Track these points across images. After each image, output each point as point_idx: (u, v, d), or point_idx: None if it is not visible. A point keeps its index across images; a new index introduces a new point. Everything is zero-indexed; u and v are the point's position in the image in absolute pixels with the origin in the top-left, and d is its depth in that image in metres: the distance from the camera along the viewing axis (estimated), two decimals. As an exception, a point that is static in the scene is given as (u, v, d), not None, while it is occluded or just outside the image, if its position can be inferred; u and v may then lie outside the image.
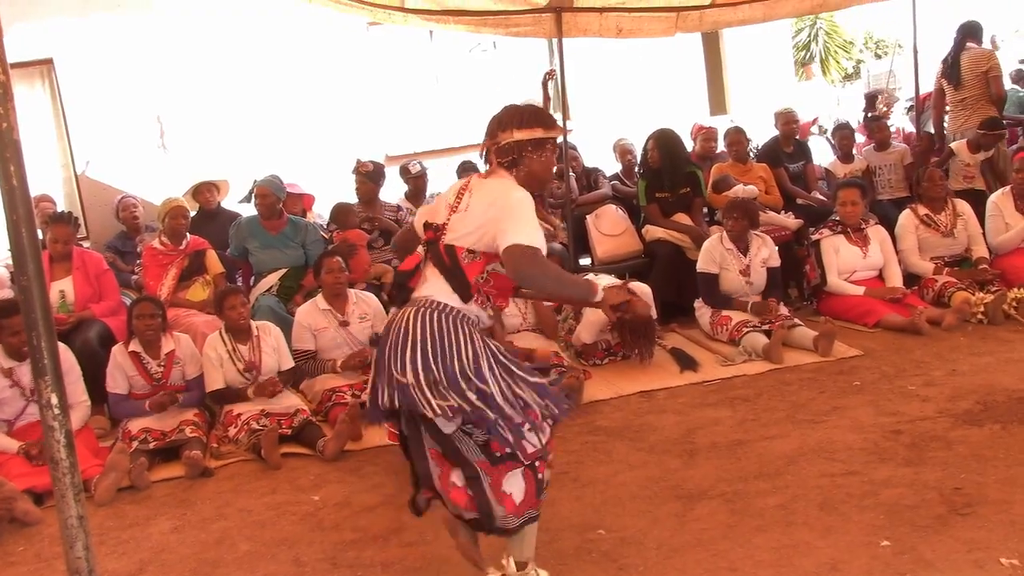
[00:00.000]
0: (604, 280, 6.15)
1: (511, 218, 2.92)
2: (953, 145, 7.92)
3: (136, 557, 3.94)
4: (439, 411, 2.87)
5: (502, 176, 3.08)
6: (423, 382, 2.90)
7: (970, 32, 8.35)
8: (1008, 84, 9.28)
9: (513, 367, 3.04)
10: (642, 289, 6.18)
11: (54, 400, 2.82)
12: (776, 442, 4.48)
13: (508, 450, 2.98)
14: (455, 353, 2.92)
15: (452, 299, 3.00)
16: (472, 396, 2.89)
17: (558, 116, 7.71)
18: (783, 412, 4.90)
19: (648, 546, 3.56)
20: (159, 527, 4.25)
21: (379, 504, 4.22)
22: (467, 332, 2.97)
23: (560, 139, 7.46)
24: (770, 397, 5.18)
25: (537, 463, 3.07)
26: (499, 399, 2.93)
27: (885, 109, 9.70)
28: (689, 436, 4.70)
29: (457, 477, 3.07)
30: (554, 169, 3.24)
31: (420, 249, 3.19)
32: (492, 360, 2.98)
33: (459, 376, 2.90)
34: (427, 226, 3.14)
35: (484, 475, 3.02)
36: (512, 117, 3.10)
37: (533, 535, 3.21)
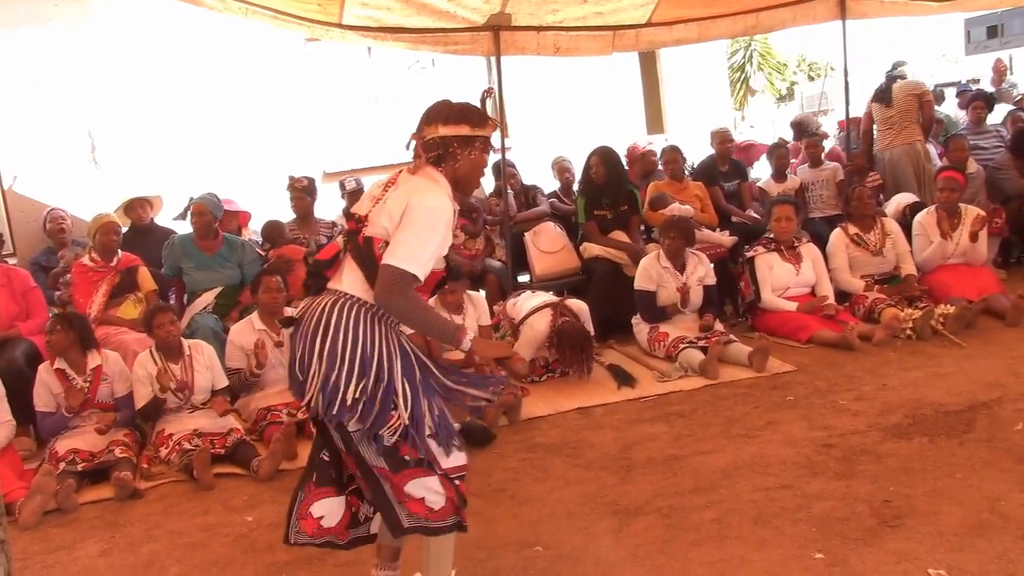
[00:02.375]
0: (528, 300, 6.19)
1: (408, 229, 2.87)
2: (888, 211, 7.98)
3: (61, 582, 3.84)
4: (351, 398, 2.83)
5: (428, 175, 3.01)
6: (335, 373, 2.86)
7: (897, 75, 8.67)
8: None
9: (432, 368, 3.02)
10: (579, 306, 6.22)
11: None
12: (711, 457, 4.51)
13: (420, 455, 2.93)
14: (367, 347, 2.87)
15: (367, 293, 2.95)
16: (380, 391, 2.85)
17: (495, 134, 7.72)
18: (718, 427, 4.95)
19: (586, 563, 3.56)
20: (86, 550, 4.14)
21: (314, 524, 4.15)
22: (382, 330, 2.92)
23: (496, 140, 7.48)
24: (705, 412, 5.23)
25: (457, 480, 3.02)
26: (411, 399, 2.89)
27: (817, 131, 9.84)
28: (626, 452, 4.72)
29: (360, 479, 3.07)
30: (484, 170, 3.16)
31: (340, 240, 3.14)
32: (405, 360, 2.93)
33: (369, 369, 2.85)
34: (349, 216, 3.09)
35: (383, 480, 2.98)
36: (439, 112, 3.04)
37: (447, 554, 3.11)
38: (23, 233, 7.86)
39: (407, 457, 2.93)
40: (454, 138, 3.00)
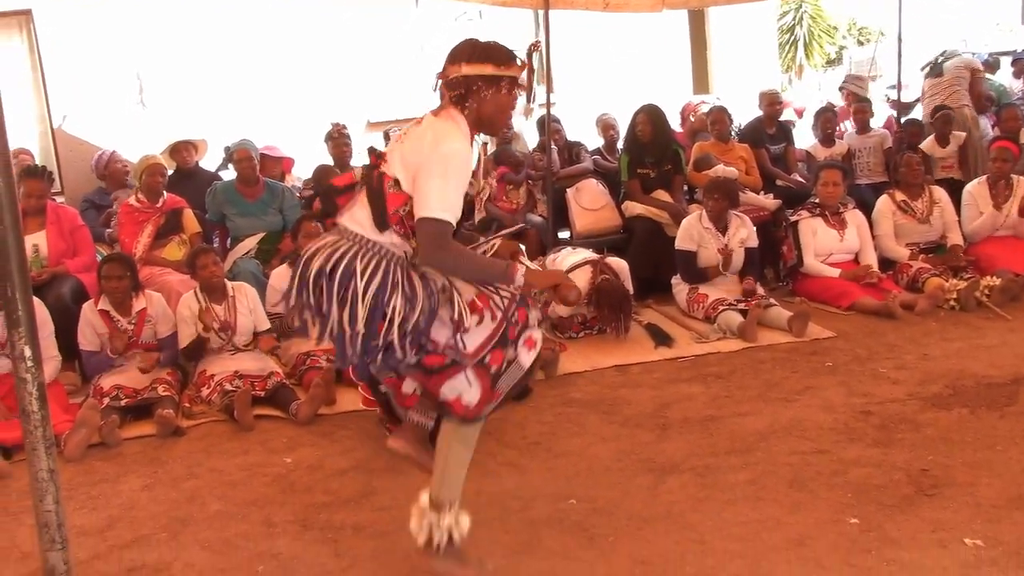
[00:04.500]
0: (568, 257, 6.18)
1: (431, 177, 2.86)
2: (923, 146, 7.96)
3: (105, 513, 3.92)
4: (358, 329, 2.87)
5: (449, 116, 2.98)
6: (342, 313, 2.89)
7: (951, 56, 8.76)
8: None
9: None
10: (619, 264, 6.21)
11: (27, 352, 2.81)
12: (748, 419, 4.51)
13: (447, 360, 2.96)
14: (367, 281, 2.89)
15: (371, 230, 2.96)
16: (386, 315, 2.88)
17: (541, 88, 7.68)
18: (756, 390, 4.94)
19: (619, 517, 3.58)
20: (129, 484, 4.23)
21: (351, 468, 4.22)
22: (383, 267, 2.92)
23: (541, 95, 7.44)
24: (743, 375, 5.22)
25: (487, 357, 3.01)
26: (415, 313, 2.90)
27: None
28: (662, 411, 4.72)
29: (408, 386, 3.17)
30: (511, 112, 3.13)
31: (358, 171, 3.14)
32: (405, 283, 2.93)
33: (371, 299, 2.87)
34: (371, 151, 3.10)
35: (420, 383, 3.06)
36: (463, 51, 3.00)
37: (460, 472, 3.10)
38: (71, 172, 7.95)
39: (434, 365, 2.98)
40: (478, 77, 2.96)
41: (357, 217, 3.01)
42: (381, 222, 2.95)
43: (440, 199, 2.85)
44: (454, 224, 2.90)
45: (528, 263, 3.31)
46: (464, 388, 3.00)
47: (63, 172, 7.90)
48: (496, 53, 3.00)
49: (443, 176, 2.87)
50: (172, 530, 3.71)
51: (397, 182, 2.93)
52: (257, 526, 3.71)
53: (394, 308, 2.88)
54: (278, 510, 3.84)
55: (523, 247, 6.67)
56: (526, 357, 3.11)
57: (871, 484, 3.69)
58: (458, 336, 2.96)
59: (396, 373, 3.17)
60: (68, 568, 2.81)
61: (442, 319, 2.97)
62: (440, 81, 3.03)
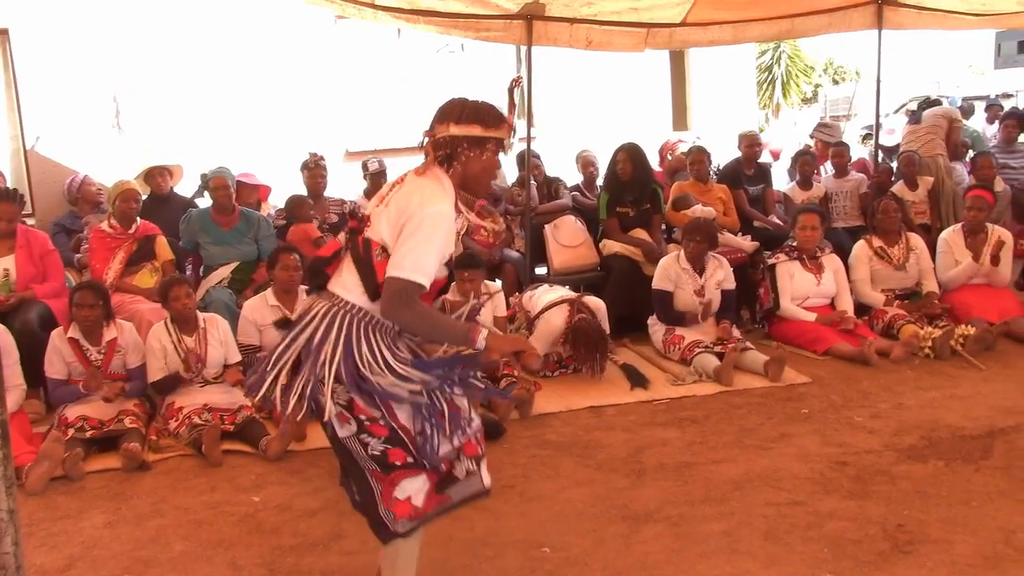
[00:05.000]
0: (545, 294, 6.15)
1: (410, 238, 2.80)
2: (894, 188, 8.06)
3: (66, 551, 3.82)
4: (331, 412, 2.83)
5: (434, 176, 2.92)
6: (318, 382, 2.84)
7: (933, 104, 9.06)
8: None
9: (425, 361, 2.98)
10: (596, 304, 6.18)
11: (-11, 387, 2.72)
12: (723, 466, 4.48)
13: (410, 459, 2.90)
14: (352, 354, 2.84)
15: (361, 297, 2.90)
16: (363, 397, 2.83)
17: (521, 123, 7.67)
18: (731, 436, 4.91)
19: (593, 568, 3.53)
20: (92, 521, 4.13)
21: (320, 509, 4.14)
22: (371, 336, 2.87)
23: (522, 130, 7.44)
24: (719, 420, 5.19)
25: (443, 464, 2.97)
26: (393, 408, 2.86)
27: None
28: (637, 455, 4.68)
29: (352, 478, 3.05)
30: (496, 172, 3.08)
31: (342, 236, 3.09)
32: (392, 361, 2.88)
33: (354, 376, 2.82)
34: (352, 215, 3.04)
35: (375, 483, 2.95)
36: (451, 110, 2.95)
37: (410, 560, 3.06)
38: (43, 194, 7.86)
39: (397, 462, 2.89)
40: (464, 138, 2.91)
41: (345, 283, 2.95)
42: (372, 291, 2.88)
43: (415, 260, 2.79)
44: (426, 287, 2.84)
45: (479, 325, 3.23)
46: (416, 489, 2.93)
47: (34, 194, 7.81)
48: (485, 115, 2.95)
49: (425, 238, 2.80)
50: (135, 571, 3.62)
51: (384, 249, 2.87)
52: (222, 568, 3.62)
53: (377, 384, 2.83)
54: (244, 552, 3.76)
55: (499, 282, 6.67)
56: (487, 478, 3.09)
57: (847, 539, 3.66)
58: (434, 432, 2.90)
59: (351, 462, 3.01)
60: (25, 612, 2.72)
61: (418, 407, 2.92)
62: (427, 139, 2.99)
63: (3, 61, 7.81)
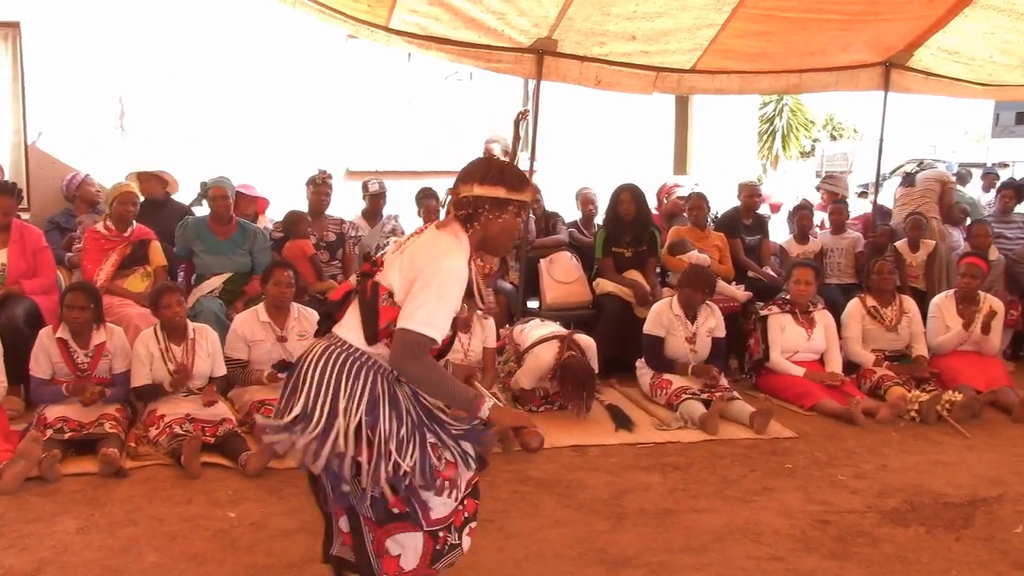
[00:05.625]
0: (536, 329, 6.13)
1: (423, 291, 2.78)
2: (897, 244, 8.11)
3: (36, 555, 3.76)
4: (323, 459, 2.78)
5: (453, 232, 2.92)
6: (312, 426, 2.79)
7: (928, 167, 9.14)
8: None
9: (427, 418, 2.95)
10: (587, 342, 6.16)
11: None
12: (704, 516, 4.45)
13: (407, 509, 2.87)
14: (348, 398, 2.80)
15: (359, 340, 2.87)
16: (360, 446, 2.78)
17: (524, 157, 7.69)
18: (713, 486, 4.88)
19: (568, 610, 3.49)
20: (64, 525, 4.07)
21: (296, 530, 4.09)
22: (371, 378, 2.84)
23: (525, 162, 7.44)
24: (702, 468, 5.16)
25: (440, 532, 2.95)
26: (393, 450, 2.80)
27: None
28: (618, 498, 4.65)
29: (343, 523, 3.00)
30: (516, 236, 3.05)
31: (353, 279, 3.08)
32: (393, 410, 2.85)
33: (350, 420, 2.78)
34: (367, 258, 3.04)
35: (367, 531, 2.93)
36: (476, 171, 2.95)
37: None
38: (40, 190, 7.83)
39: (395, 510, 2.86)
40: (488, 199, 2.91)
41: (346, 324, 2.93)
42: (371, 335, 2.85)
43: (428, 314, 2.76)
44: (437, 342, 2.81)
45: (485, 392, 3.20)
46: (410, 548, 2.92)
47: (32, 189, 7.76)
48: (510, 177, 2.94)
49: (438, 292, 2.78)
50: (104, 581, 3.56)
51: (391, 295, 2.86)
52: (193, 585, 3.57)
53: (380, 427, 2.80)
54: (216, 569, 3.71)
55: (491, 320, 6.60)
56: (467, 543, 3.09)
57: (825, 599, 3.63)
58: (432, 481, 2.87)
59: (348, 505, 2.95)
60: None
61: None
62: (450, 197, 2.99)
63: (12, 54, 7.79)
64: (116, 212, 6.29)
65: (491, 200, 2.91)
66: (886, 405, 6.19)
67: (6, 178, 7.02)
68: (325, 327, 3.02)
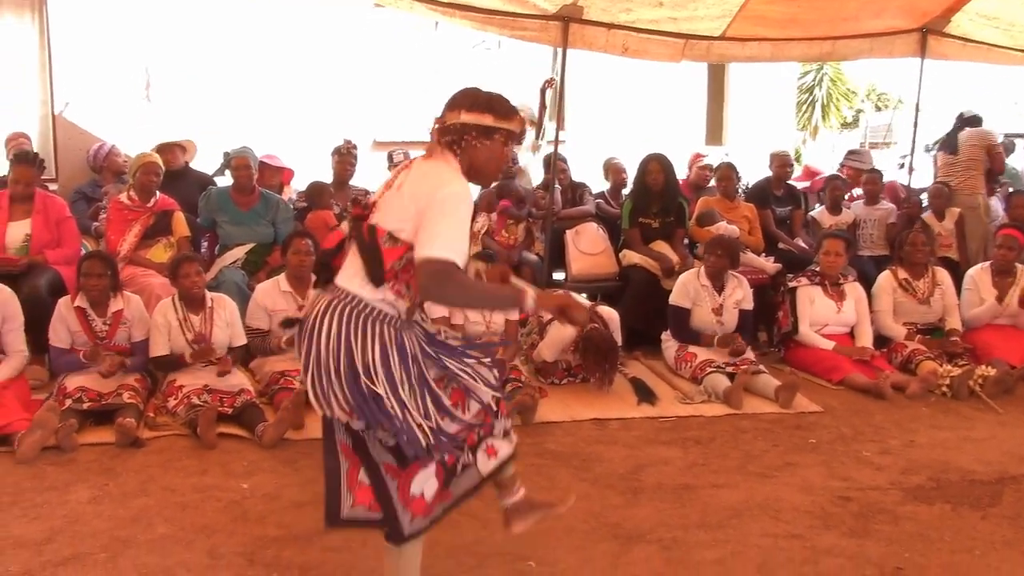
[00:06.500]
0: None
1: (434, 219, 2.73)
2: (924, 216, 7.90)
3: (48, 524, 3.77)
4: (339, 408, 2.79)
5: (443, 159, 2.89)
6: (324, 379, 2.79)
7: (969, 121, 8.57)
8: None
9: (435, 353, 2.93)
10: (610, 314, 6.09)
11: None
12: (723, 491, 4.36)
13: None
14: (359, 350, 2.78)
15: (365, 288, 2.83)
16: (372, 394, 2.76)
17: (551, 126, 7.59)
18: (734, 461, 4.80)
19: (577, 585, 3.44)
20: (77, 495, 4.08)
21: (308, 502, 4.05)
22: (377, 330, 2.81)
23: (550, 132, 7.36)
24: (723, 443, 5.07)
25: (447, 456, 2.93)
26: (405, 397, 2.79)
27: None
28: (636, 473, 4.58)
29: (364, 475, 2.95)
30: (503, 165, 3.03)
31: (345, 226, 3.03)
32: (403, 355, 2.82)
33: (360, 374, 2.76)
34: (355, 202, 2.99)
35: (390, 479, 2.89)
36: (464, 99, 2.92)
37: (415, 563, 3.02)
38: (67, 161, 7.85)
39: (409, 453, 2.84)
40: (474, 126, 2.88)
41: (347, 273, 2.90)
42: (377, 277, 2.81)
43: (445, 240, 2.72)
44: (460, 264, 2.77)
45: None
46: (429, 480, 2.91)
47: (59, 160, 7.79)
48: (497, 105, 2.92)
49: (450, 218, 2.75)
50: (112, 551, 3.56)
51: (391, 235, 2.81)
52: (201, 555, 3.55)
53: (392, 374, 2.79)
54: (226, 540, 3.69)
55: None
56: (485, 463, 3.04)
57: (842, 578, 3.54)
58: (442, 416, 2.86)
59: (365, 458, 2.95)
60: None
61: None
62: (436, 126, 2.94)
63: (39, 26, 7.79)
64: (139, 182, 6.29)
65: (477, 127, 2.88)
66: (916, 379, 6.05)
67: (35, 149, 7.04)
68: (324, 277, 3.00)
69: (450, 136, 2.89)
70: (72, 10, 7.87)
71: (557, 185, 7.53)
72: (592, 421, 5.38)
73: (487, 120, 2.89)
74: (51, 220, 6.08)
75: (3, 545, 3.56)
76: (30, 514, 3.87)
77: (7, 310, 5.13)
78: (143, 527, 3.78)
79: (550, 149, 7.48)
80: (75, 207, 6.88)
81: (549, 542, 3.78)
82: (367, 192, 7.37)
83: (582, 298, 6.29)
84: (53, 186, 7.39)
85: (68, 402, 4.86)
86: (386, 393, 2.75)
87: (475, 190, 3.95)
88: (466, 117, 2.88)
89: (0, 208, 5.98)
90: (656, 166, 7.11)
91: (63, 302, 5.24)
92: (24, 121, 7.62)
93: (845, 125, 27.93)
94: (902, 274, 6.77)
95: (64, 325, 5.17)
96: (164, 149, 7.18)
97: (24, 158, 6.06)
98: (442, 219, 2.75)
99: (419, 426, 2.79)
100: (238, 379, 5.27)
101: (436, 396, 2.87)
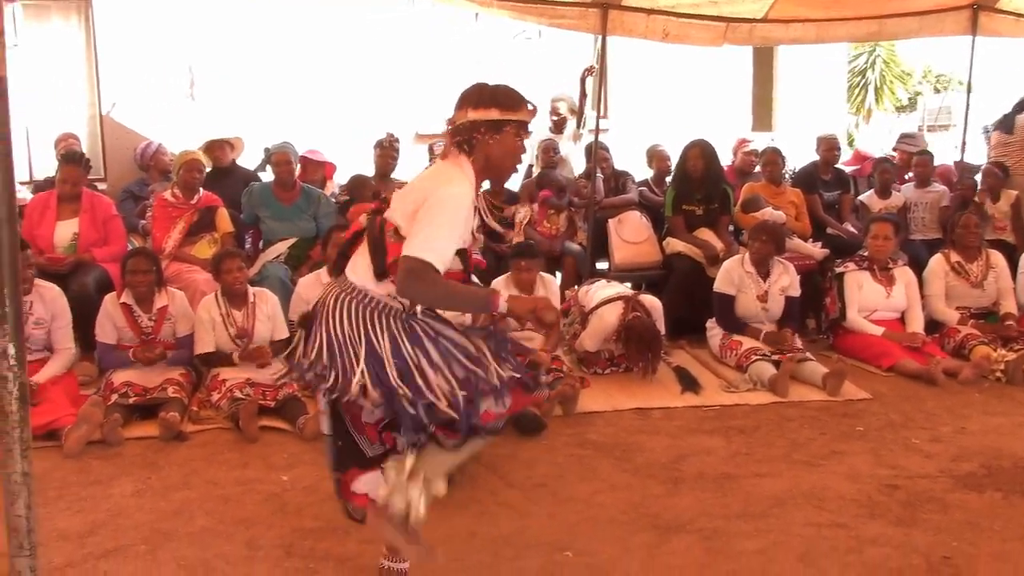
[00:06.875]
0: (601, 290, 5.99)
1: (424, 219, 2.76)
2: (977, 198, 7.70)
3: (91, 517, 3.83)
4: (360, 393, 2.79)
5: (455, 161, 2.91)
6: (339, 369, 2.81)
7: None
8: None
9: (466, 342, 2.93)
10: (652, 303, 6.01)
11: (11, 350, 2.70)
12: (766, 481, 4.29)
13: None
14: (369, 341, 2.80)
15: (368, 280, 2.86)
16: (394, 380, 2.77)
17: (591, 115, 7.52)
18: (779, 449, 4.72)
19: (615, 576, 3.40)
20: (121, 488, 4.14)
21: (347, 494, 4.08)
22: (385, 324, 2.84)
23: (591, 120, 7.29)
24: (768, 431, 4.99)
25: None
26: (430, 374, 2.80)
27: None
28: (678, 462, 4.52)
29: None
30: (519, 157, 3.01)
31: (363, 218, 3.03)
32: (416, 346, 2.84)
33: (376, 361, 2.78)
34: (375, 196, 3.01)
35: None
36: (469, 96, 2.91)
37: (442, 465, 2.98)
38: (115, 160, 7.96)
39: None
40: (482, 123, 2.87)
41: (356, 264, 2.94)
42: (380, 271, 2.85)
43: (426, 240, 2.75)
44: (439, 268, 2.76)
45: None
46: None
47: (107, 160, 7.92)
48: (503, 98, 2.91)
49: (437, 218, 2.77)
50: (153, 543, 3.60)
51: (397, 230, 2.83)
52: (240, 547, 3.58)
53: (406, 362, 2.81)
54: (264, 532, 3.71)
55: (558, 275, 6.51)
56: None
57: (887, 567, 3.45)
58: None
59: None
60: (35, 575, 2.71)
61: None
62: (448, 127, 2.95)
63: (85, 27, 7.92)
64: (182, 179, 6.36)
65: (485, 123, 2.88)
66: (969, 365, 5.90)
67: (83, 149, 7.16)
68: (340, 265, 3.03)
69: (461, 136, 2.91)
70: (117, 12, 7.97)
71: (599, 174, 7.47)
72: (634, 411, 5.32)
73: (493, 114, 2.88)
74: (98, 219, 6.18)
75: (47, 538, 3.60)
76: (74, 507, 3.93)
77: (55, 308, 5.22)
78: (184, 520, 3.82)
79: (592, 138, 7.42)
80: (123, 206, 6.99)
81: (587, 532, 3.75)
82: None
83: (623, 287, 6.22)
84: (102, 185, 7.52)
85: (114, 397, 4.94)
86: (400, 384, 2.77)
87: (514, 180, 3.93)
88: (473, 114, 2.88)
89: (49, 208, 6.10)
90: (696, 152, 7.02)
91: (109, 299, 5.32)
92: (73, 122, 7.75)
93: (901, 108, 27.38)
94: (954, 257, 6.61)
95: (110, 321, 5.25)
96: (213, 146, 7.25)
97: (71, 158, 6.17)
98: (431, 220, 2.77)
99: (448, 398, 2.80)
100: (280, 372, 5.29)
101: (469, 356, 2.89)
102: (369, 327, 2.83)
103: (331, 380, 2.83)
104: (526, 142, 3.05)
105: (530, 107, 2.96)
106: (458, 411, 2.81)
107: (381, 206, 2.93)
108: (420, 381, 2.79)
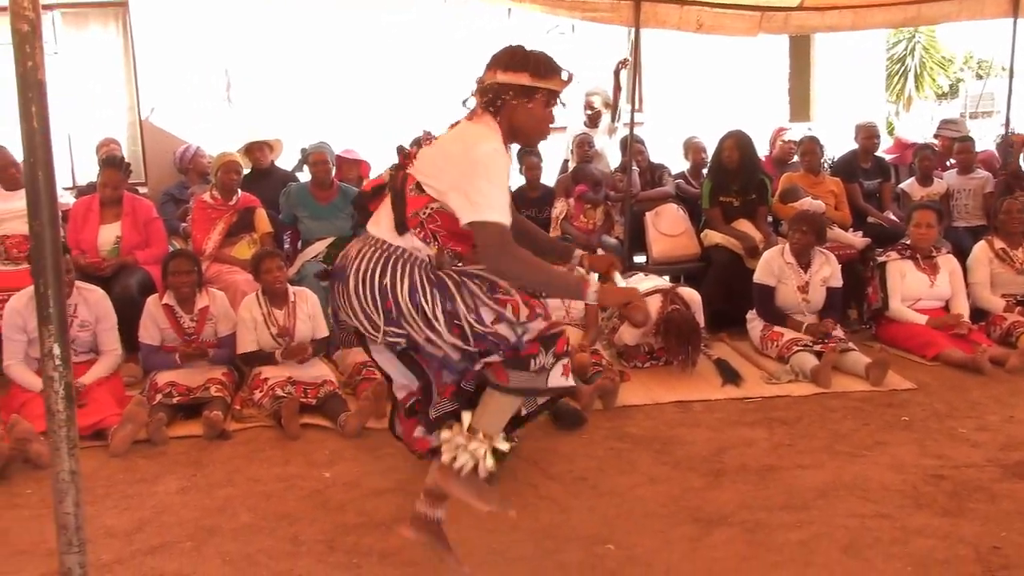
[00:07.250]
0: (639, 283, 5.96)
1: (473, 181, 2.73)
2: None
3: (137, 515, 3.88)
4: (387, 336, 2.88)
5: (482, 121, 2.89)
6: (370, 316, 2.88)
7: None
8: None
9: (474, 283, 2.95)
10: (691, 295, 5.98)
11: (56, 351, 2.73)
12: (809, 472, 4.25)
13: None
14: (392, 289, 2.83)
15: (391, 233, 2.89)
16: (420, 325, 2.84)
17: (626, 108, 7.49)
18: (822, 441, 4.67)
19: (656, 569, 3.38)
20: (166, 486, 4.19)
21: (389, 489, 4.10)
22: (407, 270, 2.85)
23: (626, 114, 7.26)
24: (810, 423, 4.94)
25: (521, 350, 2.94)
26: (462, 312, 2.84)
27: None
28: (719, 455, 4.49)
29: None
30: (547, 126, 2.99)
31: (386, 173, 3.05)
32: (432, 284, 2.87)
33: (403, 308, 2.83)
34: (400, 150, 3.01)
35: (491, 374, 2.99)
36: (501, 58, 2.90)
37: (500, 416, 3.04)
38: (156, 164, 8.07)
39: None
40: (511, 86, 2.85)
41: (380, 221, 2.96)
42: (400, 224, 2.86)
43: (488, 201, 2.73)
44: (507, 224, 2.77)
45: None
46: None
47: (148, 164, 8.03)
48: (536, 63, 2.90)
49: (485, 178, 2.75)
50: (198, 539, 3.64)
51: (419, 185, 2.83)
52: (283, 543, 3.61)
53: (424, 305, 2.86)
54: (307, 528, 3.74)
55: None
56: (557, 378, 3.02)
57: (933, 558, 3.41)
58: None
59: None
60: (84, 572, 2.74)
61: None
62: (476, 85, 2.93)
63: (123, 34, 8.04)
64: (220, 181, 6.43)
65: (515, 87, 2.87)
66: (1016, 353, 5.79)
67: (124, 154, 7.26)
68: (361, 216, 3.12)
69: (488, 96, 2.87)
70: (153, 18, 8.07)
71: (635, 167, 7.43)
72: (674, 404, 5.29)
73: (524, 79, 2.86)
74: (139, 221, 6.27)
75: (95, 535, 3.65)
76: (121, 505, 3.98)
77: (100, 310, 5.30)
78: (227, 516, 3.86)
79: (627, 132, 7.39)
80: (164, 209, 7.08)
81: (628, 526, 3.74)
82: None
83: (661, 280, 6.19)
84: (143, 189, 7.63)
85: (158, 397, 5.00)
86: (417, 325, 2.83)
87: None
88: (503, 77, 2.87)
89: (92, 212, 6.20)
90: (731, 143, 6.96)
91: (152, 300, 5.39)
92: (113, 127, 7.88)
93: (942, 95, 27.00)
94: (998, 244, 6.50)
95: (153, 322, 5.32)
96: (254, 148, 7.32)
97: (111, 162, 6.26)
98: (479, 180, 2.75)
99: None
100: (321, 370, 5.35)
101: (496, 300, 2.90)
102: (389, 275, 2.84)
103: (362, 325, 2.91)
104: (561, 137, 3.05)
105: (564, 76, 2.92)
106: (488, 345, 2.84)
107: (405, 161, 2.93)
108: (433, 320, 2.82)
